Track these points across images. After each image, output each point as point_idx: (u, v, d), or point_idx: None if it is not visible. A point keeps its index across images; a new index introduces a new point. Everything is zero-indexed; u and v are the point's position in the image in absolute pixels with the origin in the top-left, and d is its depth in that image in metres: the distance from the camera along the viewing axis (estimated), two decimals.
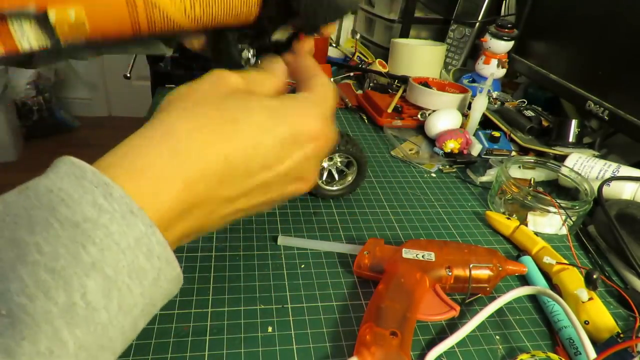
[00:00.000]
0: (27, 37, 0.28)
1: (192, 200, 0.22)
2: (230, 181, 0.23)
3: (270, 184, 0.25)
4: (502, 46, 0.82)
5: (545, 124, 0.71)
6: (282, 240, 0.45)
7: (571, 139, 0.66)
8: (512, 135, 0.68)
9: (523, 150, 0.68)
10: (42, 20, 0.27)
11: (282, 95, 0.28)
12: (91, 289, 0.18)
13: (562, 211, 0.49)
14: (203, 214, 0.23)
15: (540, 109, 0.76)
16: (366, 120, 0.76)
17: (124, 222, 0.19)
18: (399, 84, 0.84)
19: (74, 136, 2.33)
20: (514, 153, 0.67)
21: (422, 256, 0.40)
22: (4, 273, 0.16)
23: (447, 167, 0.63)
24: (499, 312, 0.39)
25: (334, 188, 0.51)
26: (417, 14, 1.00)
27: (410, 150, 0.67)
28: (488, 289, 0.40)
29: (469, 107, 0.71)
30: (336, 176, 0.51)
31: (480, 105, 0.68)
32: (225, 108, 0.24)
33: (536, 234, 0.49)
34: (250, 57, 0.40)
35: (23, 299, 0.16)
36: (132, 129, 0.24)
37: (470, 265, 0.39)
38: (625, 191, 0.54)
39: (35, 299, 0.16)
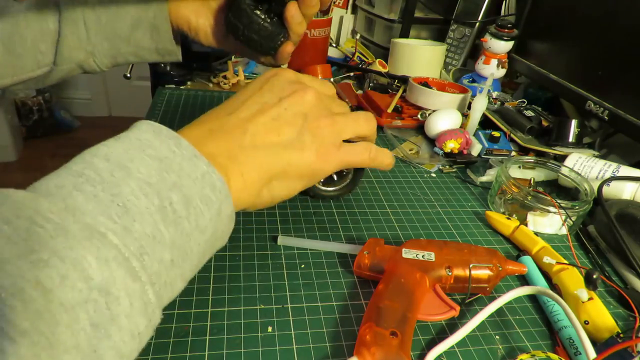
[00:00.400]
0: None
1: (209, 128, 0.32)
2: (222, 108, 0.34)
3: (261, 98, 0.35)
4: (502, 46, 0.82)
5: (545, 124, 0.71)
6: (282, 240, 0.45)
7: (571, 139, 0.66)
8: (512, 135, 0.68)
9: (523, 150, 0.68)
10: None
11: None
12: (175, 200, 0.25)
13: (562, 211, 0.49)
14: (222, 133, 0.32)
15: (540, 109, 0.76)
16: None
17: (191, 162, 0.27)
18: (399, 84, 0.84)
19: (74, 136, 2.33)
20: (514, 153, 0.67)
21: (422, 256, 0.40)
22: (118, 183, 0.24)
23: (447, 167, 0.63)
24: (499, 312, 0.39)
25: (331, 189, 0.50)
26: (417, 14, 1.00)
27: (410, 150, 0.67)
28: (488, 289, 0.40)
29: (469, 107, 0.71)
30: (334, 177, 0.50)
31: (480, 105, 0.68)
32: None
33: (536, 234, 0.49)
34: (264, 16, 0.44)
35: (132, 197, 0.23)
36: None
37: (470, 265, 0.39)
38: (625, 191, 0.54)
39: (140, 197, 0.24)
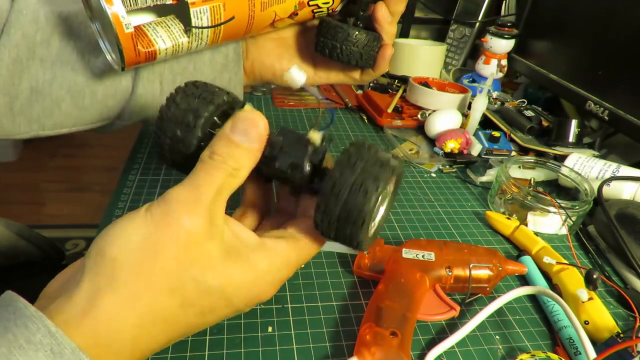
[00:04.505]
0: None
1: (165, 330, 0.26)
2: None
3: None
4: (503, 46, 0.82)
5: (545, 124, 0.71)
6: None
7: (571, 139, 0.66)
8: (512, 135, 0.68)
9: (523, 150, 0.68)
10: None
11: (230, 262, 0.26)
12: None
13: (562, 211, 0.49)
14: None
15: (540, 109, 0.76)
16: (366, 120, 0.76)
17: None
18: (399, 84, 0.84)
19: (74, 136, 2.33)
20: (514, 153, 0.67)
21: (422, 256, 0.40)
22: None
23: (447, 167, 0.63)
24: (499, 312, 0.39)
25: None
26: (417, 14, 1.00)
27: (410, 150, 0.67)
28: (488, 289, 0.40)
29: (469, 107, 0.71)
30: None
31: (480, 105, 0.68)
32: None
33: (536, 234, 0.49)
34: (356, 26, 0.44)
35: None
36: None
37: (470, 265, 0.39)
38: (625, 191, 0.54)
39: None
